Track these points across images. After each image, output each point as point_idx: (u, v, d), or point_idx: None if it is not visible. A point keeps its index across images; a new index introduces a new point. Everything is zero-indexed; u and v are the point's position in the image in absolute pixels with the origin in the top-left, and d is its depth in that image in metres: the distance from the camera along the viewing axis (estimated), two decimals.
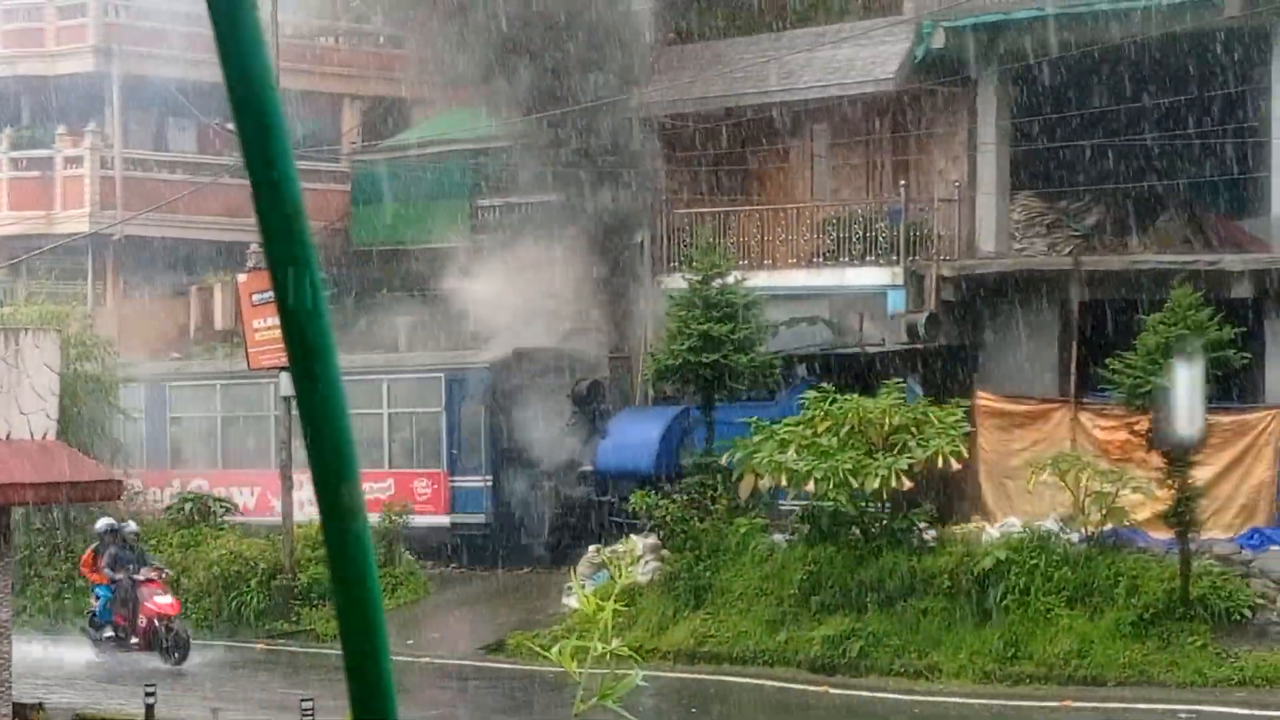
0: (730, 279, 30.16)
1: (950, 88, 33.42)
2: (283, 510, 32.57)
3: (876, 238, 33.09)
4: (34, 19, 42.95)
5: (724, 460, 28.39)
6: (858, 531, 26.91)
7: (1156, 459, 25.39)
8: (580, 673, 4.92)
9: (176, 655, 28.76)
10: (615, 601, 5.02)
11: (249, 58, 1.78)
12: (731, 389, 29.89)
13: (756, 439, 27.41)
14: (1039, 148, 33.21)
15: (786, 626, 26.84)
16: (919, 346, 30.32)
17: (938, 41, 32.33)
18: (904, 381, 28.18)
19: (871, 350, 30.53)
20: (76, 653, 29.93)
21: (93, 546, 30.28)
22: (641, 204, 34.66)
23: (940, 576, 25.93)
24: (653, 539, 29.22)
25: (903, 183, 33.44)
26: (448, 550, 34.14)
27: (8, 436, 20.40)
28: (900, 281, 32.14)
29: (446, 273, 36.91)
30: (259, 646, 31.58)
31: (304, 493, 32.84)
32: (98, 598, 29.80)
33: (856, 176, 35.51)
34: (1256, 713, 22.34)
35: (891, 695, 24.66)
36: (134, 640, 29.23)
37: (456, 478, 34.19)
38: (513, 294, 34.87)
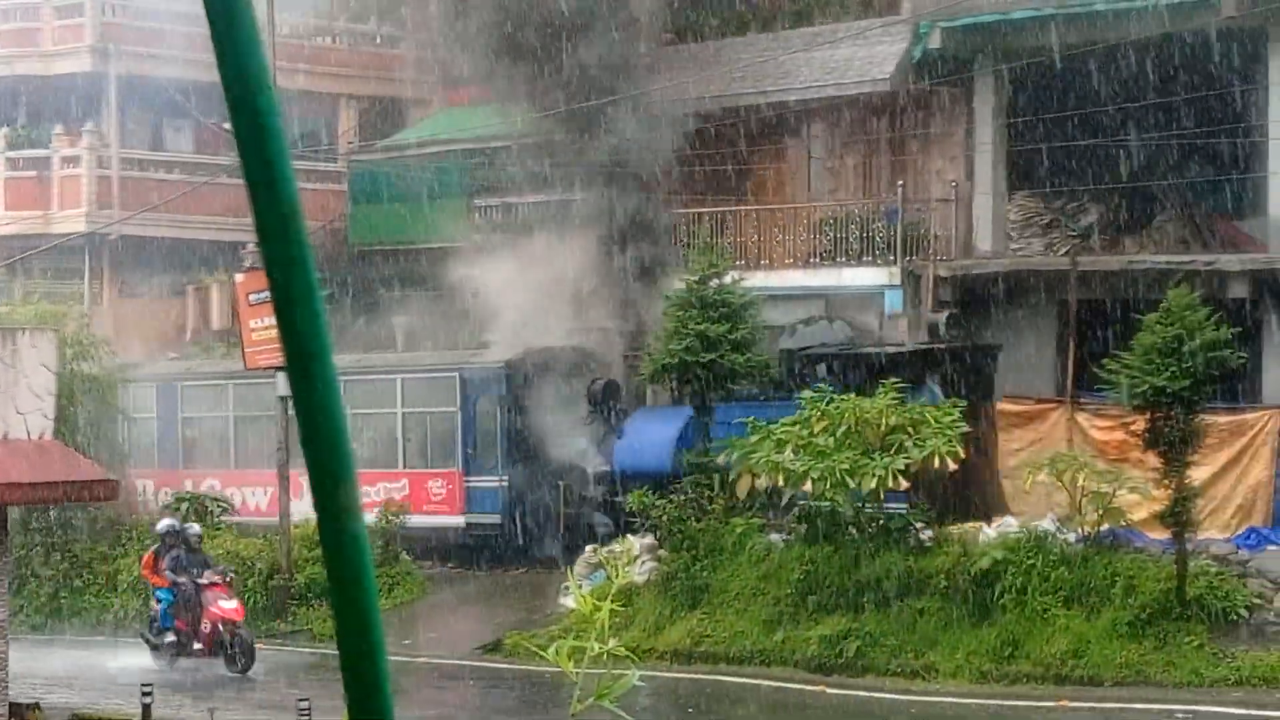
0: (727, 279, 30.14)
1: (947, 88, 33.44)
2: (280, 510, 32.57)
3: (873, 238, 33.11)
4: (31, 19, 42.95)
5: (721, 460, 28.37)
6: (854, 531, 26.91)
7: (1153, 459, 25.40)
8: (577, 673, 4.92)
9: (242, 662, 27.82)
10: (612, 601, 5.02)
11: (245, 57, 1.78)
12: (731, 388, 29.81)
13: (754, 439, 27.41)
14: (1036, 148, 33.23)
15: (783, 626, 26.85)
16: (940, 346, 30.00)
17: (935, 42, 32.36)
18: (900, 383, 28.08)
19: (891, 349, 30.22)
20: (129, 658, 28.93)
21: (153, 548, 29.29)
22: (658, 202, 34.53)
23: (937, 576, 25.94)
24: (649, 539, 29.22)
25: (900, 183, 33.47)
26: (463, 550, 33.78)
27: (4, 436, 20.40)
28: (897, 281, 32.17)
29: (457, 272, 36.87)
30: (257, 646, 31.55)
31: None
32: (159, 601, 28.71)
33: (853, 176, 35.53)
34: (1253, 713, 22.35)
35: (888, 695, 24.67)
36: (197, 647, 28.20)
37: (471, 477, 33.82)
38: (524, 293, 34.82)
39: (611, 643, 4.94)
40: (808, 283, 33.55)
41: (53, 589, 34.76)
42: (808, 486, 26.44)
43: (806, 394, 28.07)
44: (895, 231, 32.57)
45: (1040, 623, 25.02)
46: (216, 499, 35.69)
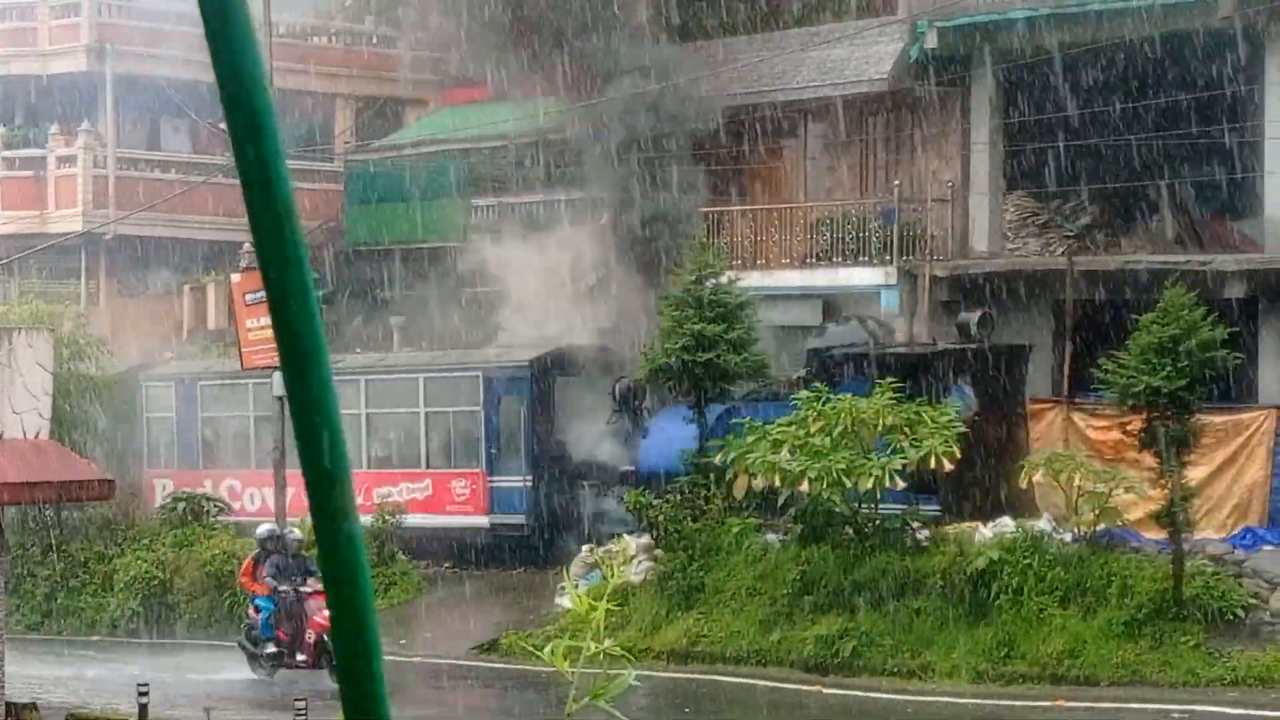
0: (724, 279, 30.11)
1: (944, 88, 33.45)
2: (276, 510, 32.53)
3: (870, 238, 33.11)
4: (27, 18, 42.94)
5: (718, 460, 28.34)
6: (851, 531, 26.91)
7: (1149, 459, 25.41)
8: (573, 672, 4.92)
9: (324, 662, 26.56)
10: (608, 601, 5.02)
11: (241, 56, 1.78)
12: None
13: (750, 439, 27.40)
14: (1032, 148, 33.24)
15: (779, 626, 26.84)
16: (970, 346, 29.65)
17: (931, 41, 32.36)
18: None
19: (920, 349, 29.89)
20: (221, 667, 28.23)
21: (252, 555, 28.09)
22: (682, 200, 34.41)
23: (933, 576, 25.94)
24: (646, 539, 29.20)
25: (896, 182, 33.48)
26: (488, 551, 33.39)
27: (0, 436, 20.39)
28: (894, 281, 32.17)
29: (465, 271, 36.81)
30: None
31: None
32: (258, 610, 27.39)
33: (850, 176, 35.53)
34: (1249, 713, 22.35)
35: (885, 695, 24.67)
36: (300, 658, 26.96)
37: (495, 478, 33.44)
38: (541, 292, 34.73)
39: (607, 642, 4.94)
40: (804, 283, 33.55)
41: (49, 588, 34.75)
42: (804, 486, 26.42)
43: (803, 394, 28.06)
44: (891, 231, 32.57)
45: (1036, 622, 25.02)
46: (213, 498, 35.68)
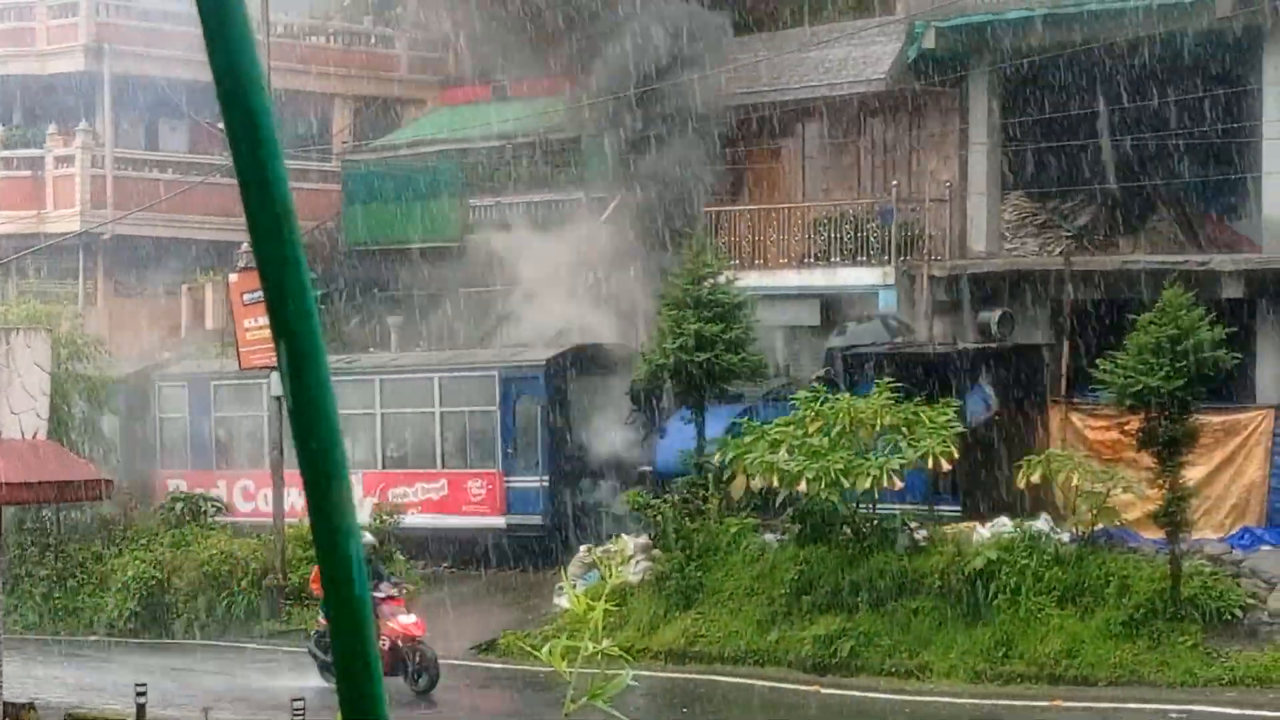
0: (721, 279, 30.10)
1: (942, 88, 33.46)
2: (274, 510, 32.55)
3: (868, 238, 33.11)
4: (25, 18, 42.93)
5: (717, 460, 28.34)
6: (849, 531, 26.91)
7: (1147, 459, 25.41)
8: (570, 672, 4.92)
9: (424, 680, 25.62)
10: (606, 601, 5.02)
11: (238, 56, 1.78)
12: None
13: (748, 439, 27.40)
14: (1030, 148, 33.24)
15: (777, 626, 26.84)
16: (991, 345, 29.50)
17: (929, 42, 32.36)
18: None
19: (942, 349, 29.74)
20: (290, 675, 27.34)
21: None
22: (696, 197, 34.32)
23: (931, 576, 25.94)
24: (644, 539, 29.20)
25: (894, 182, 33.49)
26: (505, 552, 33.08)
27: None
28: (892, 281, 32.17)
29: (473, 271, 36.75)
30: (249, 646, 31.58)
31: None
32: (328, 617, 27.44)
33: (848, 176, 35.53)
34: (1247, 713, 22.35)
35: (882, 695, 24.66)
36: None
37: (511, 478, 33.11)
38: (558, 291, 34.64)
39: (605, 642, 4.94)
40: (802, 283, 33.55)
41: (46, 588, 34.73)
42: (802, 487, 26.42)
43: (801, 394, 28.06)
44: (890, 231, 32.58)
45: (1034, 622, 25.02)
46: (210, 498, 35.67)
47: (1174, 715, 22.36)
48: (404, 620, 25.73)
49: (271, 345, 1.85)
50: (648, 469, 31.37)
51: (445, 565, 33.97)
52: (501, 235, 37.27)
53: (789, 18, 36.74)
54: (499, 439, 33.35)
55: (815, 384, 28.95)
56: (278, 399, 30.33)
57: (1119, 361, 24.89)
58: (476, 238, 38.17)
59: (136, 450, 37.44)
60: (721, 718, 24.89)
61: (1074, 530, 25.93)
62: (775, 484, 26.83)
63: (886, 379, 27.38)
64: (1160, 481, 24.98)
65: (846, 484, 26.02)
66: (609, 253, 34.83)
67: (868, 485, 25.99)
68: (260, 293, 1.93)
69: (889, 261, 32.42)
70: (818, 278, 33.44)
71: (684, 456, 29.73)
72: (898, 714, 23.67)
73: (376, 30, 46.01)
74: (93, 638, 33.43)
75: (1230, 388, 27.55)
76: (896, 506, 27.43)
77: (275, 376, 28.65)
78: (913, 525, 26.82)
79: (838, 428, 26.59)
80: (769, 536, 28.06)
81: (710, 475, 28.69)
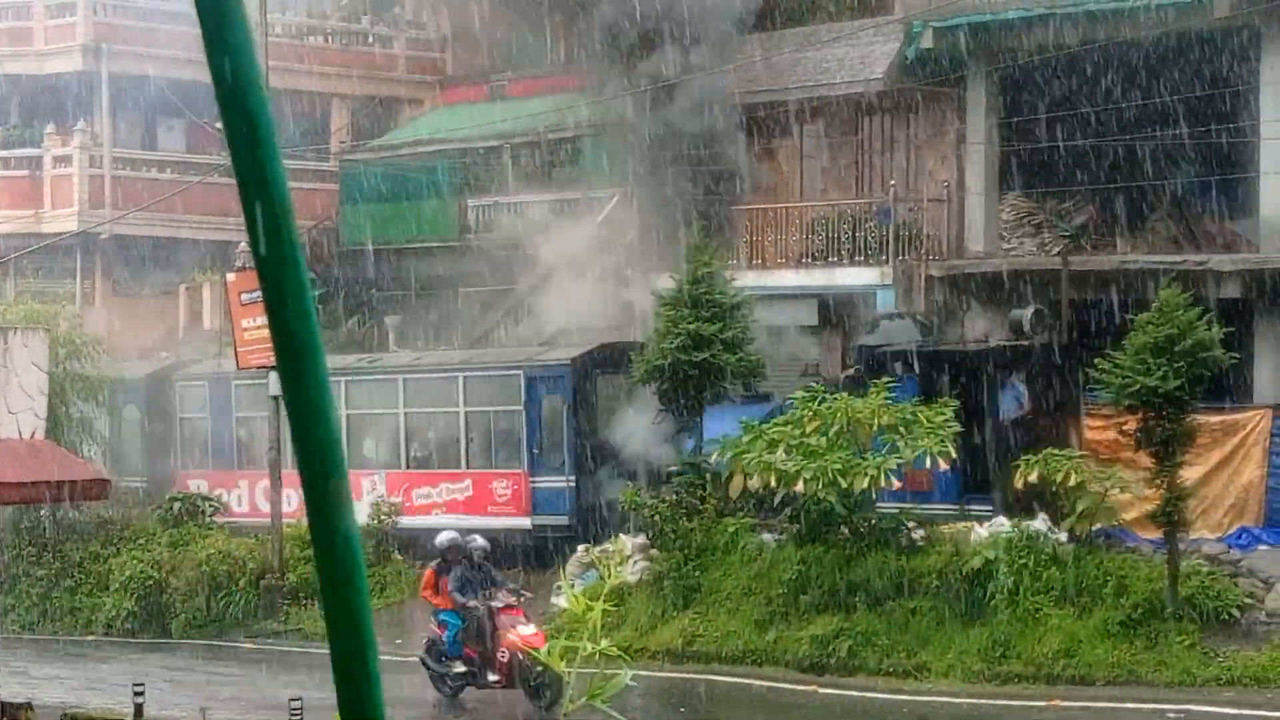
0: (719, 278, 30.07)
1: (939, 88, 33.47)
2: (272, 510, 32.56)
3: (866, 238, 33.12)
4: (23, 18, 42.93)
5: (714, 460, 28.33)
6: (846, 531, 26.91)
7: (1145, 459, 25.41)
8: (569, 672, 4.92)
9: (548, 695, 23.78)
10: (604, 601, 5.02)
11: (237, 56, 1.78)
12: (723, 388, 29.68)
13: (746, 439, 27.40)
14: (1028, 148, 33.25)
15: (775, 626, 26.84)
16: (1024, 343, 29.22)
17: (927, 41, 32.37)
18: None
19: (973, 347, 29.52)
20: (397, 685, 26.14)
21: (433, 565, 25.72)
22: (720, 194, 34.19)
23: (929, 576, 25.94)
24: (641, 538, 29.19)
25: (892, 183, 33.49)
26: (529, 554, 32.62)
27: None
28: (889, 281, 32.18)
29: (479, 270, 36.64)
30: (247, 646, 31.59)
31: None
32: (443, 625, 25.02)
33: (846, 176, 35.54)
34: (1245, 712, 22.36)
35: (880, 695, 24.67)
36: (491, 677, 24.69)
37: (537, 478, 32.65)
38: (567, 289, 34.53)
39: (604, 642, 4.94)
40: (800, 282, 33.56)
41: (44, 588, 34.73)
42: (800, 487, 26.42)
43: (798, 393, 28.06)
44: (888, 231, 32.58)
45: (1032, 622, 25.02)
46: (208, 498, 35.65)
47: (1171, 715, 22.37)
48: (524, 631, 24.07)
49: (269, 345, 1.85)
50: (677, 469, 31.01)
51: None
52: (509, 234, 37.25)
53: (788, 18, 36.74)
54: (524, 439, 32.93)
55: (847, 382, 28.85)
56: (276, 399, 30.32)
57: (1117, 361, 24.89)
58: (487, 236, 38.13)
59: (157, 450, 37.40)
60: (719, 717, 24.89)
61: (1072, 530, 25.92)
62: (773, 484, 26.83)
63: (914, 376, 27.38)
64: (1158, 481, 24.98)
65: (844, 484, 26.02)
66: (619, 250, 34.79)
67: (865, 485, 25.98)
68: (258, 292, 1.93)
69: (887, 261, 32.43)
70: (815, 278, 33.45)
71: (681, 455, 29.74)
72: (895, 714, 23.67)
73: (375, 30, 46.01)
74: (90, 637, 33.43)
75: (1228, 388, 27.54)
76: (930, 507, 27.45)
77: (274, 376, 28.66)
78: (910, 525, 26.83)
79: (835, 427, 26.59)
80: (767, 536, 28.06)
81: (708, 475, 28.68)
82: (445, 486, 33.65)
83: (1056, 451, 26.36)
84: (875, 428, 26.58)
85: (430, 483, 33.85)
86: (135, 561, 33.66)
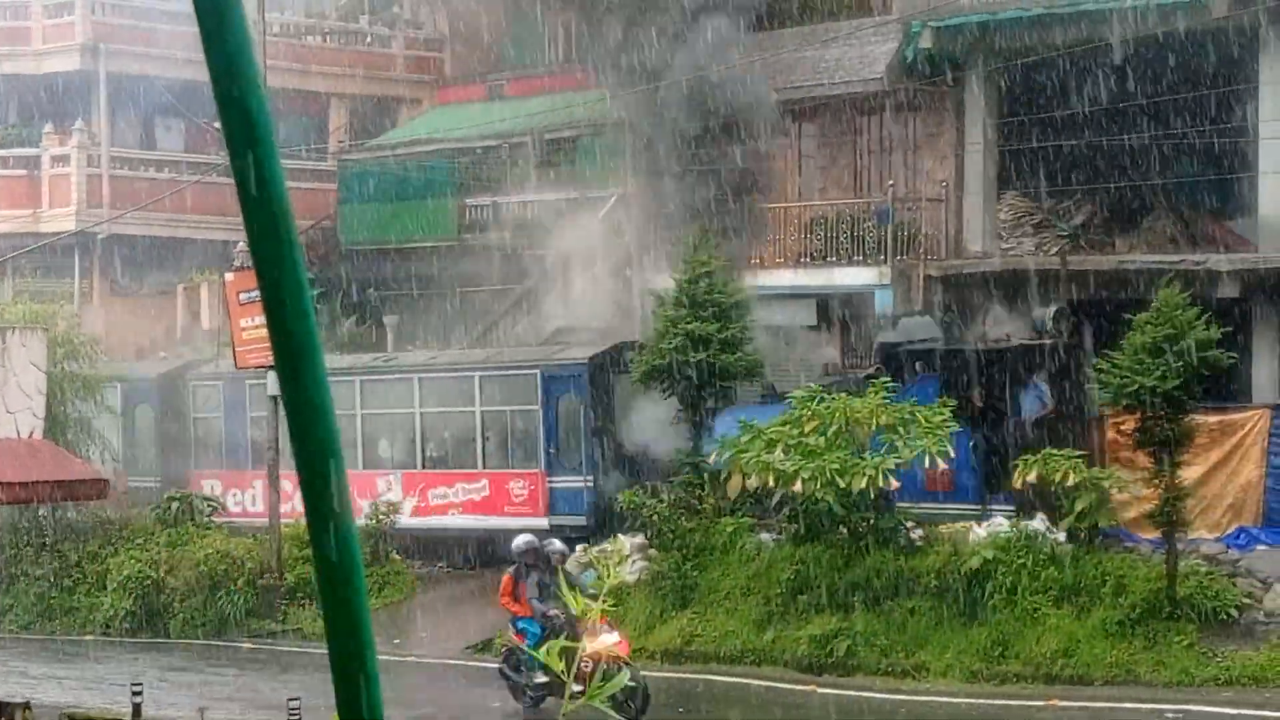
0: (718, 278, 30.05)
1: (938, 87, 33.46)
2: (270, 510, 32.55)
3: (864, 237, 33.11)
4: (21, 17, 42.93)
5: (712, 460, 28.33)
6: (845, 531, 26.91)
7: (1144, 459, 25.41)
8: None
9: (632, 707, 22.17)
10: (603, 601, 5.02)
11: (235, 56, 1.78)
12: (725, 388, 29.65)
13: (744, 439, 27.39)
14: (1026, 147, 33.25)
15: (774, 626, 26.84)
16: (1045, 342, 29.08)
17: (926, 41, 32.38)
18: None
19: (996, 346, 29.41)
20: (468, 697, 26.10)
21: (510, 571, 24.46)
22: (738, 190, 34.13)
23: (927, 576, 25.94)
24: (640, 538, 29.19)
25: (890, 182, 33.49)
26: None
27: None
28: (888, 281, 32.18)
29: (487, 269, 36.58)
30: (245, 646, 31.58)
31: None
32: (521, 634, 23.78)
33: (844, 176, 35.53)
34: (1243, 712, 22.36)
35: (878, 694, 24.67)
36: (575, 688, 24.23)
37: (554, 478, 32.51)
38: (577, 288, 34.46)
39: (608, 603, 4.95)
40: (798, 282, 33.56)
41: (42, 588, 34.70)
42: (798, 486, 26.42)
43: (797, 393, 28.05)
44: (886, 231, 32.58)
45: (1030, 622, 25.02)
46: (206, 498, 35.64)
47: (1170, 715, 22.37)
48: (608, 639, 22.45)
49: (268, 344, 1.85)
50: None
51: (440, 565, 33.94)
52: (512, 232, 37.24)
53: (785, 17, 36.72)
54: (541, 438, 32.78)
55: (870, 380, 28.78)
56: (274, 399, 30.31)
57: (1115, 361, 24.89)
58: (485, 236, 38.12)
59: (170, 450, 37.40)
60: (718, 717, 24.89)
61: (1070, 530, 25.92)
62: (771, 483, 26.83)
63: (934, 374, 27.35)
64: (1156, 481, 24.98)
65: (842, 484, 26.02)
66: (620, 248, 34.77)
67: (863, 485, 25.98)
68: (256, 292, 1.93)
69: (885, 261, 32.43)
70: (814, 278, 33.44)
71: (678, 454, 29.74)
72: (894, 713, 23.66)
73: (373, 29, 46.01)
74: (89, 637, 33.41)
75: (1226, 387, 27.55)
76: (948, 507, 27.44)
77: (272, 376, 28.64)
78: (908, 525, 26.84)
79: (834, 427, 26.59)
80: (765, 536, 28.06)
81: (706, 474, 28.69)
82: (461, 486, 33.55)
83: (1055, 451, 26.37)
84: (873, 427, 26.58)
85: (446, 483, 33.77)
86: (133, 561, 33.63)
